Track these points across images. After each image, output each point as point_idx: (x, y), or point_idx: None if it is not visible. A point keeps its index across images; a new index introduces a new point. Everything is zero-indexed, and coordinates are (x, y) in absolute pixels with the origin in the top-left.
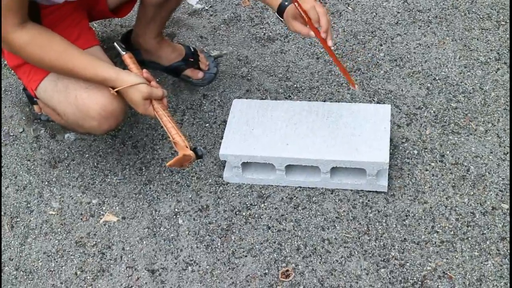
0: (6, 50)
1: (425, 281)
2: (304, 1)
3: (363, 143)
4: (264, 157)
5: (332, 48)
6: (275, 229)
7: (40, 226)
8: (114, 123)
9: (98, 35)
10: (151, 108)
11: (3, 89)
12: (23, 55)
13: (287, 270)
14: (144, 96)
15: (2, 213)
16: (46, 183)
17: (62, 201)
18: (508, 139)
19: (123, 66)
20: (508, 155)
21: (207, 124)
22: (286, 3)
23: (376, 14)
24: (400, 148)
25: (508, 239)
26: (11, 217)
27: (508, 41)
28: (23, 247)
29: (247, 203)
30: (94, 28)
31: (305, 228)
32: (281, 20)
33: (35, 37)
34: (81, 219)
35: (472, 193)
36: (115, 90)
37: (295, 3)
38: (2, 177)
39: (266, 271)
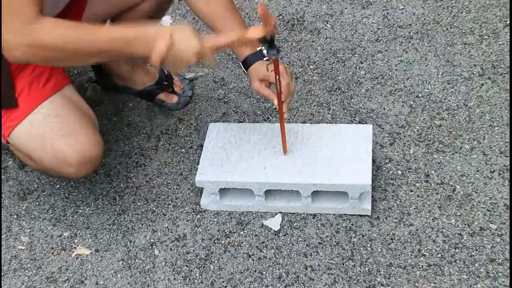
0: (26, 44)
1: None
2: (281, 75)
3: (345, 165)
4: (242, 182)
5: (285, 116)
6: (256, 257)
7: (9, 262)
8: (92, 169)
9: None
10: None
11: None
12: (53, 36)
13: None
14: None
15: None
16: (15, 216)
17: (32, 234)
18: (495, 157)
19: (95, 92)
20: (495, 173)
21: (183, 149)
22: (253, 59)
23: (356, 31)
24: (384, 168)
25: (499, 260)
26: None
27: (492, 56)
28: None
29: (226, 231)
30: None
31: (287, 255)
32: (244, 72)
33: (57, 20)
34: (52, 253)
35: (459, 213)
36: None
37: (276, 76)
38: None
39: None
